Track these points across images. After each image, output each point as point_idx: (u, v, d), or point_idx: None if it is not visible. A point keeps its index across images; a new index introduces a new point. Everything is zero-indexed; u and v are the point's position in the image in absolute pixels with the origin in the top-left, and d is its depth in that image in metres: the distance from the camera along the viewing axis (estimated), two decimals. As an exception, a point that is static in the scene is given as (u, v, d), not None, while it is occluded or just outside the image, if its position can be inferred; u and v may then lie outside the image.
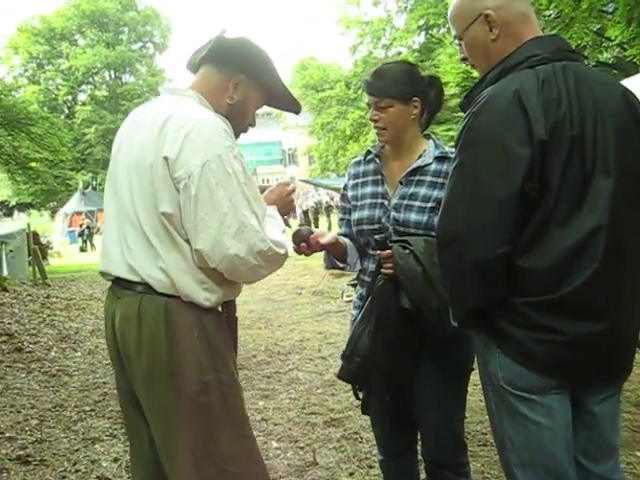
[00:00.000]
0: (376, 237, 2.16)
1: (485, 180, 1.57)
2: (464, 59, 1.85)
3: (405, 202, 2.22)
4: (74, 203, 31.28)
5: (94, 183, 35.74)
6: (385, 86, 2.21)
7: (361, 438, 3.83)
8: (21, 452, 3.72)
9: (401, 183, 2.27)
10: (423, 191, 2.21)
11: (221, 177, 1.71)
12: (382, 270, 2.16)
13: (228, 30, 1.97)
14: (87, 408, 4.60)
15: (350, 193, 2.42)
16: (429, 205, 2.17)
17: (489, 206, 1.57)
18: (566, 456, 1.66)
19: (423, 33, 22.64)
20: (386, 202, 2.27)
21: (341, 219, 2.53)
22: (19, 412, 4.50)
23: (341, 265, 2.44)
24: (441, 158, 2.24)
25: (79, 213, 29.68)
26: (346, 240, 2.42)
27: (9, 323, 7.13)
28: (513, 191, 1.53)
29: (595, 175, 1.57)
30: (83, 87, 39.23)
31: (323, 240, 2.25)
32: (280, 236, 1.85)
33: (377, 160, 2.36)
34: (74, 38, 36.61)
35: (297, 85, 27.54)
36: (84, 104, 38.73)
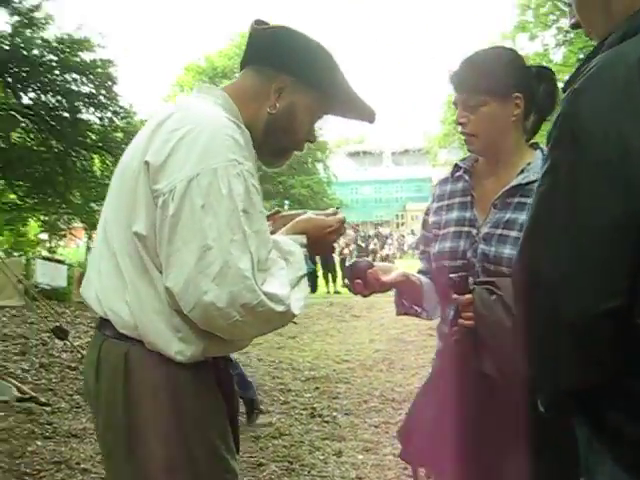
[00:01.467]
0: (452, 276, 1.62)
1: (589, 193, 1.01)
2: (575, 25, 1.29)
3: (498, 231, 1.67)
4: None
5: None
6: (476, 78, 1.67)
7: (466, 517, 3.22)
8: (89, 488, 3.50)
9: (495, 206, 1.71)
10: (523, 217, 1.63)
11: (212, 198, 1.29)
12: (459, 321, 1.62)
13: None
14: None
15: (432, 219, 1.88)
16: None
17: (595, 235, 1.00)
18: None
19: (581, 68, 21.56)
20: (474, 231, 1.73)
21: (421, 252, 1.99)
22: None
23: (418, 310, 1.91)
24: None
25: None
26: (423, 279, 1.88)
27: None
28: (633, 212, 0.98)
29: None
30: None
31: (386, 278, 1.74)
32: (282, 288, 1.37)
33: (467, 177, 1.83)
34: (234, 75, 38.80)
35: (447, 121, 27.38)
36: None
